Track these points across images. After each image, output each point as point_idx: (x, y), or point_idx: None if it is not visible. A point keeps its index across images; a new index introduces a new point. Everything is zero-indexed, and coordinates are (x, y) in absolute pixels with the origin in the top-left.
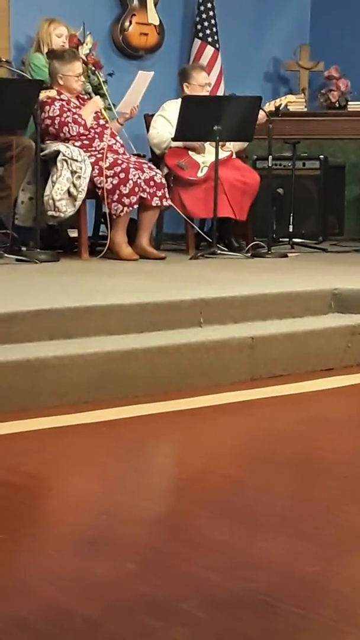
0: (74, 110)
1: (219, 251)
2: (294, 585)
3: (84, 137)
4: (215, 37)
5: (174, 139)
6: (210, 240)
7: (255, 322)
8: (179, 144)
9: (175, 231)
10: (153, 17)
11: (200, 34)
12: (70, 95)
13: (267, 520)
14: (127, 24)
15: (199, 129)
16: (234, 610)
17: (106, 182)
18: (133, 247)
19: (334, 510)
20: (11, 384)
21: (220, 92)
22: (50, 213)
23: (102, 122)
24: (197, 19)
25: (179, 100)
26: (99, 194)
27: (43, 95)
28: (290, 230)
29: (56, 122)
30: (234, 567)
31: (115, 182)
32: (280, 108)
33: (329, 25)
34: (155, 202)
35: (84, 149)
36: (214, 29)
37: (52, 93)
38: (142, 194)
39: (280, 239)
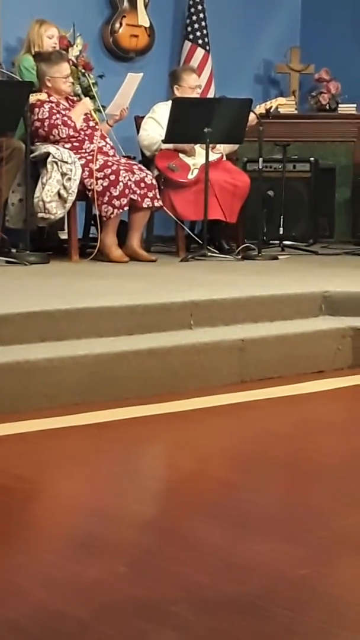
0: (63, 112)
1: (209, 253)
2: (285, 588)
3: (74, 139)
4: (206, 39)
5: (164, 141)
6: (201, 243)
7: (245, 324)
8: (169, 146)
9: (166, 233)
10: (143, 19)
11: (191, 36)
12: (60, 97)
13: (259, 523)
14: (117, 25)
15: (189, 131)
16: (225, 612)
17: (96, 184)
18: (123, 249)
19: (325, 512)
20: (1, 386)
21: (211, 95)
22: (40, 215)
23: (92, 124)
24: (188, 21)
25: (169, 103)
26: (89, 195)
27: (33, 98)
28: (281, 232)
29: (46, 124)
30: (225, 570)
31: (105, 184)
32: (271, 110)
33: (319, 27)
34: (146, 203)
35: (74, 151)
36: (205, 31)
37: (43, 96)
38: (132, 196)
39: (271, 242)
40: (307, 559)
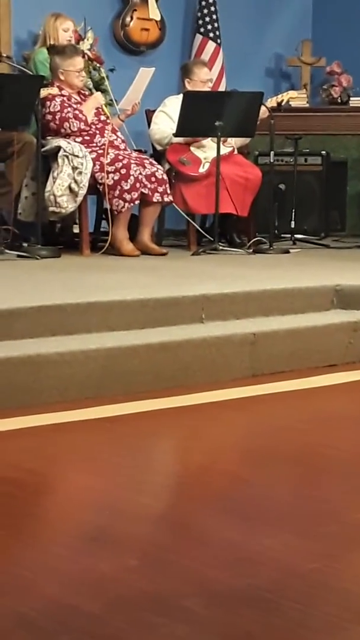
0: (74, 106)
1: (220, 247)
2: (296, 582)
3: (85, 133)
4: (217, 33)
5: (175, 135)
6: (211, 238)
7: (257, 318)
8: (181, 139)
9: (177, 227)
10: (154, 13)
11: (202, 30)
12: (71, 91)
13: (269, 517)
14: (128, 19)
15: (200, 125)
16: (235, 606)
17: (107, 178)
18: (134, 243)
19: (336, 507)
20: (12, 381)
21: (222, 88)
22: (51, 209)
23: (103, 117)
24: (199, 14)
25: (180, 96)
26: (100, 189)
27: (44, 92)
28: (292, 226)
29: (57, 117)
30: (236, 564)
31: (116, 177)
32: (282, 104)
33: (331, 20)
34: (157, 198)
35: (85, 145)
36: (216, 25)
37: (54, 90)
38: (143, 190)
39: (282, 235)
40: (318, 553)
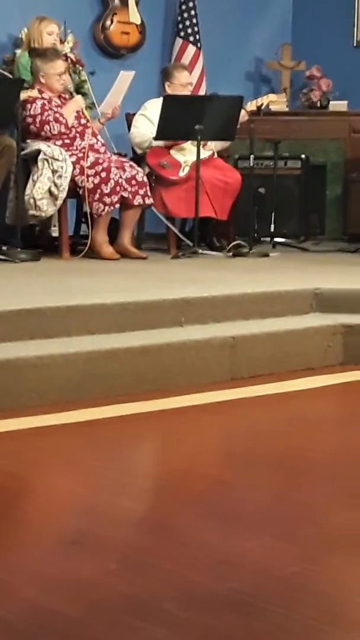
0: (55, 109)
1: (200, 251)
2: (276, 585)
3: (65, 136)
4: (197, 36)
5: (155, 138)
6: (190, 243)
7: (236, 321)
8: (160, 143)
9: (157, 231)
10: (134, 16)
11: (182, 33)
12: (52, 94)
13: (249, 520)
14: (108, 22)
15: (180, 128)
16: (215, 610)
17: (87, 181)
18: (114, 246)
19: (315, 509)
20: None
21: (202, 91)
22: (31, 212)
23: (83, 121)
24: (179, 17)
25: (161, 100)
26: (80, 193)
27: (24, 94)
28: (272, 229)
29: (37, 120)
30: (216, 567)
31: (96, 181)
32: (262, 107)
33: (310, 25)
34: (137, 201)
35: (65, 148)
36: (196, 28)
37: (34, 93)
38: (123, 193)
39: (262, 239)
40: (297, 556)
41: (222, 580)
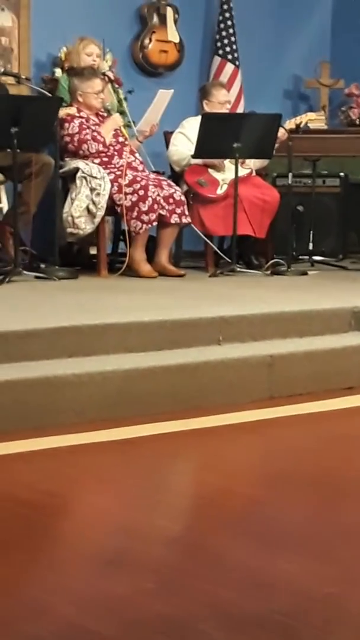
0: (93, 128)
1: (238, 269)
2: (312, 606)
3: (103, 155)
4: (235, 55)
5: (193, 156)
6: (229, 260)
7: (274, 340)
8: (199, 161)
9: (195, 248)
10: (173, 35)
11: (220, 51)
12: (90, 113)
13: (286, 540)
14: (146, 41)
15: (218, 146)
16: (252, 630)
17: (125, 199)
18: (152, 264)
19: (353, 530)
20: (29, 402)
21: (240, 110)
22: (69, 230)
23: (121, 139)
24: (217, 36)
25: (199, 118)
26: (118, 211)
27: (63, 112)
28: (310, 247)
29: (75, 139)
30: (252, 587)
31: (134, 199)
32: (301, 125)
33: (349, 42)
34: (175, 219)
35: (103, 166)
36: (234, 46)
37: (72, 110)
38: (161, 211)
39: (300, 257)
40: (335, 577)
41: (258, 601)
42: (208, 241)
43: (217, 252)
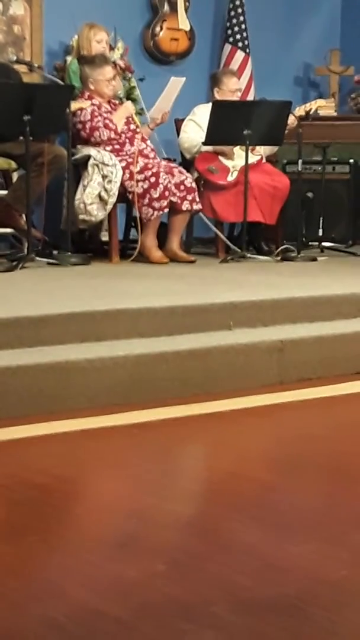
0: (105, 115)
1: (248, 255)
2: (324, 590)
3: (115, 142)
4: (246, 42)
5: (204, 144)
6: (238, 249)
7: (284, 325)
8: (209, 148)
9: (205, 235)
10: (184, 23)
11: (231, 39)
12: (102, 100)
13: (297, 524)
14: (157, 29)
15: (229, 133)
16: (263, 614)
17: (137, 186)
18: (163, 250)
19: None
20: (42, 387)
21: (251, 97)
22: (81, 217)
23: (132, 126)
24: (228, 24)
25: (209, 105)
26: (130, 198)
27: (75, 106)
28: (320, 234)
29: (87, 126)
30: (264, 571)
31: (145, 186)
32: (311, 112)
33: (359, 29)
34: (186, 206)
35: (115, 154)
36: (245, 34)
37: (85, 104)
38: (172, 198)
39: (310, 243)
40: (346, 561)
41: (270, 584)
42: (216, 231)
43: (227, 238)
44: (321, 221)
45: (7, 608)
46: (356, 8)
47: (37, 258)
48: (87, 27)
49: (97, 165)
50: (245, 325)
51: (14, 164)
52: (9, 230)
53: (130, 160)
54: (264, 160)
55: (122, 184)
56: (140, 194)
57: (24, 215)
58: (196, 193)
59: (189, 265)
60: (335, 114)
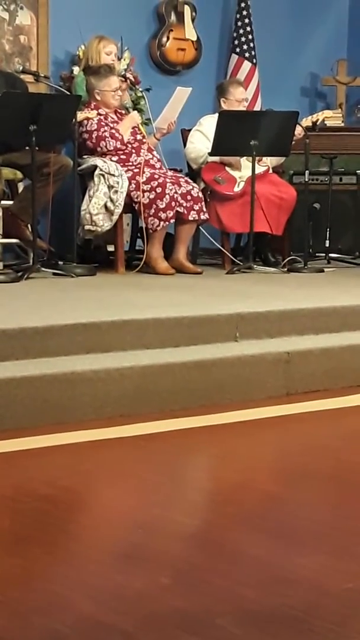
0: (111, 125)
1: (255, 266)
2: (330, 602)
3: (121, 152)
4: (253, 52)
5: (210, 154)
6: (239, 262)
7: (291, 337)
8: (216, 158)
9: (212, 246)
10: (190, 33)
11: (238, 49)
12: (108, 110)
13: (304, 536)
14: (164, 39)
15: (235, 144)
16: (269, 626)
17: (143, 196)
18: (170, 261)
19: None
20: (48, 398)
21: (257, 107)
22: (87, 227)
23: (139, 137)
24: (234, 34)
25: (216, 115)
26: (136, 208)
27: (82, 116)
28: (327, 245)
29: (93, 136)
30: (269, 583)
31: (152, 196)
32: (317, 123)
33: None
34: (192, 216)
35: (121, 164)
36: (251, 44)
37: (92, 114)
38: (178, 209)
39: (317, 254)
40: (352, 573)
41: (275, 596)
42: (218, 245)
43: (234, 249)
44: (328, 232)
45: (11, 619)
46: None
47: (43, 269)
48: (96, 39)
49: (103, 176)
50: (251, 336)
51: (19, 174)
52: (14, 240)
53: (136, 170)
54: (270, 171)
55: (128, 195)
56: (146, 205)
57: (29, 226)
58: (203, 203)
59: (195, 276)
60: (342, 124)
